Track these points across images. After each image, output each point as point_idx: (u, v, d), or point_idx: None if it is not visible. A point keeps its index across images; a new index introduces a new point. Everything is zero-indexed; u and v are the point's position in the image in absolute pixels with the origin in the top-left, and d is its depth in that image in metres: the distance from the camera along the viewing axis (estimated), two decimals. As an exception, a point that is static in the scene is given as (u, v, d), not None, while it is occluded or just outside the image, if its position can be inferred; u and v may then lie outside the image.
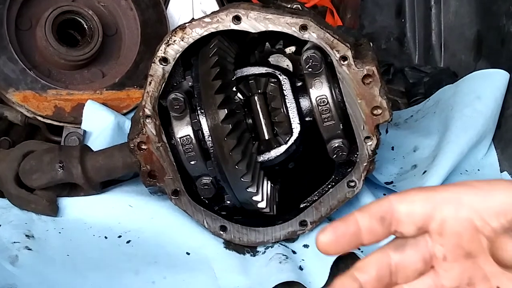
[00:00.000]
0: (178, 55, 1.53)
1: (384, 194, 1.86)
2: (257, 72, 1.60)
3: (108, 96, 2.03)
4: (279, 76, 1.58)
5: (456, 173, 1.88)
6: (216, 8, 2.39)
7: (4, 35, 1.94)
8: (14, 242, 1.59)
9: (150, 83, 1.55)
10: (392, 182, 1.90)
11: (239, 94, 1.59)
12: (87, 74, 2.08)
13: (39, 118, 1.96)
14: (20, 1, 2.00)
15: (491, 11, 2.19)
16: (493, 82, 2.00)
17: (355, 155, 1.60)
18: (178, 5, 2.41)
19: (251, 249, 1.69)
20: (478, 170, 1.93)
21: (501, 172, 1.91)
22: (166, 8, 2.35)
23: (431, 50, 2.52)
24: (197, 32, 1.53)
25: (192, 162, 1.56)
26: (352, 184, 1.62)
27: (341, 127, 1.55)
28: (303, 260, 1.64)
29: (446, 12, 2.47)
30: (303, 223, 1.66)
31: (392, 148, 2.03)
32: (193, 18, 1.56)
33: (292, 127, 1.57)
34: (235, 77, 1.58)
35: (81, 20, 2.04)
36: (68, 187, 1.74)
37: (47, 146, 1.77)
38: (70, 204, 1.74)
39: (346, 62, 1.51)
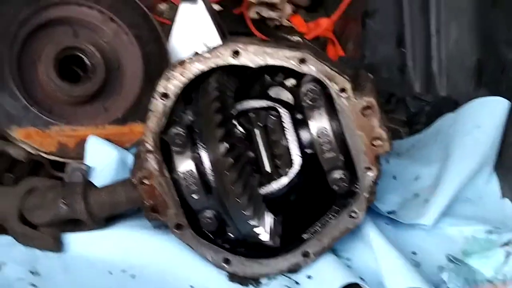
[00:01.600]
0: (178, 91, 1.55)
1: (386, 224, 1.86)
2: (257, 106, 1.62)
3: (111, 131, 2.04)
4: (279, 109, 1.59)
5: (457, 201, 1.89)
6: (218, 40, 2.42)
7: (6, 72, 1.96)
8: (19, 279, 1.61)
9: (151, 118, 1.56)
10: (394, 211, 1.90)
11: (240, 128, 1.60)
12: (90, 110, 2.09)
13: (43, 154, 1.97)
14: (22, 37, 2.02)
15: (491, 39, 2.21)
16: (494, 110, 2.01)
17: (356, 186, 1.61)
18: (180, 39, 2.44)
19: (254, 281, 1.69)
20: (480, 197, 1.94)
21: (502, 199, 1.91)
22: (168, 42, 2.38)
23: (432, 79, 2.53)
24: (197, 68, 1.55)
25: (194, 196, 1.57)
26: (354, 214, 1.62)
27: (342, 158, 1.56)
28: (306, 291, 1.64)
29: (446, 41, 2.49)
30: (306, 254, 1.66)
31: (394, 177, 2.03)
32: (195, 52, 1.58)
33: (293, 159, 1.58)
34: (235, 111, 1.59)
35: (83, 56, 2.06)
36: (72, 223, 1.75)
37: (50, 182, 1.78)
38: (74, 240, 1.75)
39: (345, 94, 1.52)
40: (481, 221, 1.83)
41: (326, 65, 1.52)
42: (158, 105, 1.56)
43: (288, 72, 1.65)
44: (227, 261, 1.67)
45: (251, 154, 1.61)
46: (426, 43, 2.55)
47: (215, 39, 2.45)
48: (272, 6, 3.18)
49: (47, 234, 1.69)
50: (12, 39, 2.00)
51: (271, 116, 1.59)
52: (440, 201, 1.84)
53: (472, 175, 1.93)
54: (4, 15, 2.00)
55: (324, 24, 3.07)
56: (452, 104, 2.33)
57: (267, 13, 3.17)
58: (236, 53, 1.53)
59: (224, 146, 1.49)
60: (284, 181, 1.58)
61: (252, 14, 3.16)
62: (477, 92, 2.29)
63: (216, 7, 3.04)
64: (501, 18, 2.13)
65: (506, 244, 1.68)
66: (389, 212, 1.89)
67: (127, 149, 2.03)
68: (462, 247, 1.76)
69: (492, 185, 1.97)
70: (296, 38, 3.01)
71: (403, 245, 1.79)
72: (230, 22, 2.99)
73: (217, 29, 2.50)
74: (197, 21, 2.46)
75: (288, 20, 3.23)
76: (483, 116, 2.01)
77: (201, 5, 2.47)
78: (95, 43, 2.11)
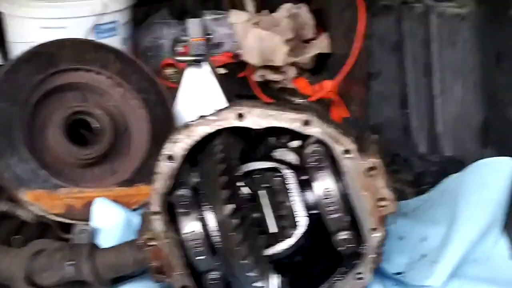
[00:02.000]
0: (184, 153, 1.57)
1: (394, 286, 1.84)
2: (262, 167, 1.63)
3: (119, 193, 2.05)
4: (282, 171, 1.60)
5: (465, 262, 1.87)
6: (223, 103, 2.45)
7: (17, 137, 1.99)
8: None
9: (157, 180, 1.58)
10: (401, 273, 1.88)
11: (245, 189, 1.61)
12: (97, 172, 2.12)
13: (51, 216, 1.99)
14: (33, 103, 2.07)
15: (496, 99, 2.23)
16: (501, 170, 2.01)
17: (363, 247, 1.61)
18: (186, 102, 2.48)
19: None
20: (488, 258, 1.92)
21: (511, 260, 1.90)
22: (175, 105, 2.41)
23: (437, 139, 2.54)
24: (202, 130, 1.57)
25: (200, 258, 1.57)
26: (360, 276, 1.61)
27: (347, 219, 1.56)
28: None
29: (451, 101, 2.51)
30: (313, 317, 1.65)
31: (401, 238, 2.02)
32: (199, 116, 1.60)
33: (299, 220, 1.58)
34: (240, 172, 1.61)
35: (92, 120, 2.10)
36: (79, 284, 1.74)
37: (57, 244, 1.79)
38: (80, 302, 1.74)
39: (349, 155, 1.54)
40: (489, 282, 1.81)
41: (331, 127, 1.54)
42: (164, 168, 1.57)
43: (293, 133, 1.67)
44: (233, 323, 1.65)
45: (257, 215, 1.62)
46: (430, 104, 2.57)
47: (221, 102, 2.49)
48: (276, 69, 3.23)
49: (53, 296, 1.69)
50: (23, 104, 2.04)
51: (276, 177, 1.60)
52: (448, 262, 1.82)
53: (480, 235, 1.91)
54: (16, 82, 2.05)
55: (328, 86, 3.10)
56: (458, 164, 2.33)
57: (271, 76, 3.21)
58: (240, 116, 1.56)
59: (230, 207, 1.50)
60: (290, 242, 1.58)
61: (256, 77, 3.21)
62: (484, 152, 2.29)
63: (221, 70, 3.10)
64: (505, 77, 2.15)
65: (515, 306, 1.67)
66: (397, 274, 1.87)
67: (134, 210, 2.04)
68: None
69: (500, 246, 1.95)
70: (300, 100, 3.04)
71: (411, 307, 1.77)
72: (235, 85, 3.04)
73: (222, 92, 2.55)
74: (203, 84, 2.51)
75: (292, 83, 3.27)
76: (490, 176, 2.01)
77: (206, 69, 2.52)
78: (103, 107, 2.16)
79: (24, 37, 2.53)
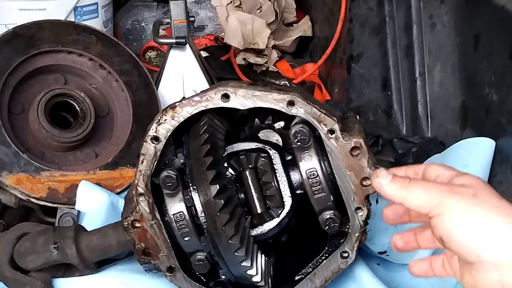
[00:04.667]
0: (169, 134, 1.57)
1: (378, 264, 1.86)
2: (247, 148, 1.64)
3: (102, 176, 2.05)
4: (269, 150, 1.61)
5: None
6: (206, 85, 2.45)
7: (-3, 120, 1.98)
8: (9, 326, 1.59)
9: (142, 161, 1.58)
10: (385, 252, 1.90)
11: (230, 170, 1.62)
12: (80, 155, 2.11)
13: (33, 200, 1.97)
14: (12, 85, 2.04)
15: (474, 81, 2.25)
16: (480, 150, 2.04)
17: (347, 226, 1.62)
18: (169, 85, 2.47)
19: (247, 323, 1.68)
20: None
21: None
22: (157, 88, 2.41)
23: (418, 120, 2.56)
24: (187, 111, 1.57)
25: (186, 238, 1.58)
26: (345, 254, 1.63)
27: (332, 198, 1.57)
28: (299, 333, 1.63)
29: (431, 84, 2.53)
30: (298, 296, 1.66)
31: (384, 218, 2.04)
32: (183, 97, 1.60)
33: (284, 200, 1.59)
34: (226, 153, 1.61)
35: (73, 103, 2.08)
36: (63, 267, 1.74)
37: (41, 227, 1.78)
38: (65, 285, 1.73)
39: (333, 135, 1.54)
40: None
41: (315, 107, 1.55)
42: (149, 149, 1.57)
43: (277, 115, 1.68)
44: (219, 303, 1.67)
45: (242, 195, 1.62)
46: (410, 86, 2.59)
47: (203, 84, 2.48)
48: (259, 52, 3.24)
49: (38, 279, 1.68)
50: (2, 87, 2.02)
51: (261, 158, 1.61)
52: (430, 241, 1.85)
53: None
54: (-6, 64, 2.02)
55: (310, 69, 3.12)
56: (438, 145, 2.36)
57: (253, 59, 3.22)
58: (226, 96, 1.56)
59: (215, 187, 1.50)
60: (275, 222, 1.59)
61: (239, 60, 3.21)
62: (463, 133, 2.32)
63: (204, 53, 3.10)
64: (483, 60, 2.17)
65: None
66: (381, 253, 1.89)
67: (117, 193, 2.04)
68: (456, 286, 1.76)
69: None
70: (283, 82, 3.05)
71: (396, 285, 1.79)
72: (218, 68, 3.04)
73: (205, 75, 2.54)
74: (186, 67, 2.50)
75: (275, 66, 3.28)
76: (470, 156, 2.04)
77: (189, 52, 2.51)
78: (85, 89, 2.14)
79: (3, 19, 2.50)
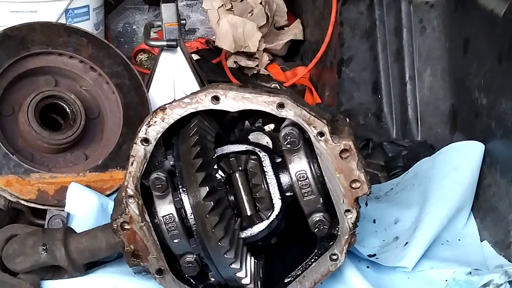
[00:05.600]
0: (159, 136, 1.57)
1: (368, 267, 1.86)
2: (237, 150, 1.64)
3: (92, 178, 2.05)
4: (258, 153, 1.61)
5: (437, 243, 1.90)
6: (197, 88, 2.45)
7: (-13, 122, 1.97)
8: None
9: (132, 163, 1.57)
10: (375, 255, 1.91)
11: (220, 172, 1.62)
12: (70, 157, 2.10)
13: (22, 202, 1.97)
14: (3, 87, 2.04)
15: (464, 85, 2.26)
16: (469, 154, 2.05)
17: (337, 229, 1.62)
18: (159, 87, 2.47)
19: (236, 326, 1.68)
20: (459, 240, 1.95)
21: (481, 241, 1.93)
22: (148, 90, 2.40)
23: (408, 124, 2.57)
24: (177, 113, 1.57)
25: (176, 240, 1.57)
26: (335, 257, 1.63)
27: (321, 201, 1.58)
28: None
29: (421, 88, 2.55)
30: (287, 298, 1.66)
31: (374, 221, 2.05)
32: (174, 100, 1.60)
33: (273, 202, 1.59)
34: (215, 155, 1.61)
35: (63, 105, 2.08)
36: (52, 270, 1.73)
37: (30, 229, 1.77)
38: (54, 287, 1.73)
39: (323, 138, 1.55)
40: (461, 263, 1.84)
41: (305, 110, 1.55)
42: (139, 150, 1.57)
43: (267, 117, 1.68)
44: (208, 306, 1.66)
45: (232, 198, 1.62)
46: (400, 90, 2.61)
47: (194, 87, 2.48)
48: (250, 56, 3.24)
49: (26, 281, 1.67)
50: (-7, 88, 2.02)
51: (251, 160, 1.61)
52: (420, 244, 1.85)
53: (451, 217, 1.95)
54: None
55: (300, 73, 3.12)
56: (428, 148, 2.37)
57: (244, 62, 3.22)
58: (216, 99, 1.56)
59: (205, 189, 1.50)
60: (265, 224, 1.59)
61: (230, 63, 3.21)
62: (452, 136, 2.33)
63: (195, 56, 3.10)
64: (472, 64, 2.19)
65: (486, 285, 1.69)
66: (370, 256, 1.90)
67: (107, 195, 2.03)
68: (444, 289, 1.77)
69: (470, 227, 1.99)
70: (274, 85, 3.05)
71: (385, 288, 1.80)
72: (209, 71, 3.04)
73: (196, 77, 2.54)
74: (176, 69, 2.50)
75: (266, 69, 3.28)
76: (459, 159, 2.05)
77: (180, 54, 2.51)
78: (76, 91, 2.14)
79: (-6, 21, 2.49)
